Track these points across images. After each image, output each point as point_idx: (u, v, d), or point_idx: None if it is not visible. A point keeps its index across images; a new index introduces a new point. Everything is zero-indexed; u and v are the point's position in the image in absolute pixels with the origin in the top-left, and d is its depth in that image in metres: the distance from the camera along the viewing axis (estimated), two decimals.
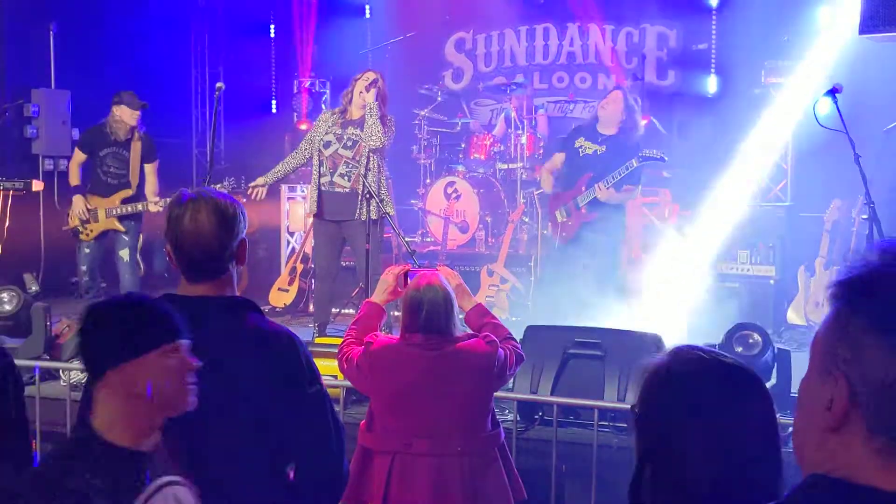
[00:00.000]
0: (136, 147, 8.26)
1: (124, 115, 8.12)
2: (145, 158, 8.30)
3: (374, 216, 6.89)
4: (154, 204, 8.12)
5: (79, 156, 8.32)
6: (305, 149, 7.34)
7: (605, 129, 7.68)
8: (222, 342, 2.65)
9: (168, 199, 8.09)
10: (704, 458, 1.85)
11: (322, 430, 2.76)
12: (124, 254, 8.26)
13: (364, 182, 6.88)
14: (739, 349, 5.81)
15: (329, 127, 7.21)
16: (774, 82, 9.81)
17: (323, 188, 7.19)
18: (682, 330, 8.26)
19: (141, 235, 8.65)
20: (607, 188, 7.45)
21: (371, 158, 7.03)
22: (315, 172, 7.21)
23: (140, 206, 8.20)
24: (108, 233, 8.30)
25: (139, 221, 8.35)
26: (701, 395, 1.88)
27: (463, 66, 12.03)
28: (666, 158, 7.55)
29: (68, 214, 8.34)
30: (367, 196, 6.84)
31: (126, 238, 8.24)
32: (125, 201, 8.21)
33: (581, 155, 7.70)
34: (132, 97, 8.19)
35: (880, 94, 8.79)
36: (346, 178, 7.12)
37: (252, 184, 7.50)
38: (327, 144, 7.17)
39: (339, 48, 11.76)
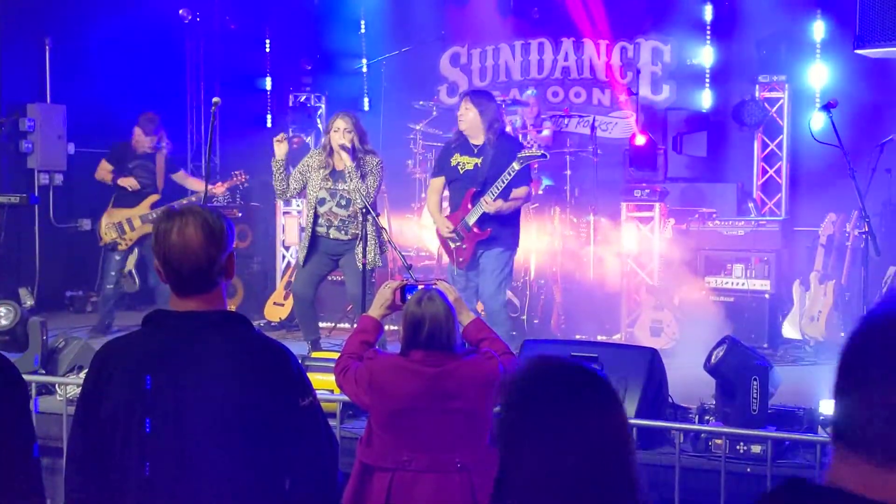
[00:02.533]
0: (161, 158, 9.23)
1: (139, 137, 9.11)
2: (170, 169, 9.32)
3: (371, 263, 7.05)
4: (212, 187, 9.05)
5: (106, 165, 9.17)
6: (295, 186, 7.38)
7: (475, 139, 7.23)
8: (213, 357, 2.65)
9: (230, 181, 9.40)
10: (543, 456, 1.87)
11: (315, 444, 2.76)
12: None
13: (362, 227, 6.94)
14: (714, 361, 5.75)
15: (320, 181, 7.23)
16: (769, 97, 9.87)
17: (319, 235, 7.32)
18: (676, 344, 8.29)
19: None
20: (494, 200, 7.03)
21: (367, 216, 7.01)
22: (309, 223, 7.31)
23: (185, 200, 8.95)
24: (144, 239, 8.95)
25: None
26: (537, 395, 1.92)
27: (458, 81, 12.06)
28: (547, 156, 7.29)
29: (99, 234, 9.10)
30: (365, 238, 6.94)
31: None
32: (154, 206, 9.02)
33: (462, 172, 7.27)
34: (147, 121, 9.10)
35: (875, 108, 8.84)
36: (342, 231, 7.27)
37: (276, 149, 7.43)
38: (322, 202, 7.23)
39: (334, 62, 11.78)
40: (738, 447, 5.16)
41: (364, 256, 6.91)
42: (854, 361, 1.37)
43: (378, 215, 7.29)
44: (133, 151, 9.12)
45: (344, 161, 7.04)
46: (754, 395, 5.48)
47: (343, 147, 7.01)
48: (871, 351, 1.35)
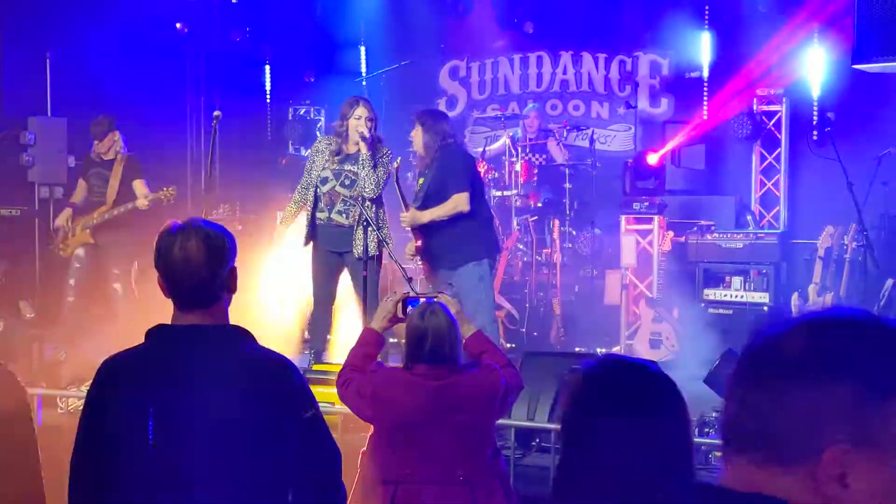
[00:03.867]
0: (118, 168, 8.80)
1: (95, 144, 8.91)
2: (129, 176, 8.81)
3: (372, 251, 6.88)
4: (143, 198, 8.55)
5: (81, 179, 9.03)
6: (309, 182, 7.25)
7: (427, 159, 7.10)
8: (215, 371, 2.67)
9: (156, 195, 8.63)
10: (615, 451, 1.91)
11: (319, 455, 2.77)
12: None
13: (362, 210, 6.83)
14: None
15: (325, 162, 7.15)
16: (766, 110, 9.91)
17: (319, 222, 7.16)
18: (675, 357, 8.31)
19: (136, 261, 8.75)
20: (406, 212, 6.98)
21: (374, 205, 6.98)
22: (309, 206, 7.16)
23: (116, 211, 8.65)
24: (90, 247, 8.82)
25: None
26: (612, 394, 1.97)
27: (457, 94, 12.11)
28: (395, 163, 7.00)
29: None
30: (365, 225, 6.81)
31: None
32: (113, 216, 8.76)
33: (417, 193, 7.23)
34: (95, 125, 8.91)
35: (872, 120, 8.87)
36: (343, 214, 7.06)
37: (274, 235, 7.49)
38: (324, 181, 7.11)
39: (334, 76, 11.83)
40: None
41: (366, 254, 6.80)
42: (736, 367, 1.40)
43: (383, 207, 7.26)
44: (93, 160, 8.97)
45: (360, 148, 6.98)
46: None
47: (363, 137, 6.97)
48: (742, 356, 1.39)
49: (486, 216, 7.34)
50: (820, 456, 1.26)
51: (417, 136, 7.10)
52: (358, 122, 7.03)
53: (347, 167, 7.07)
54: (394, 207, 7.47)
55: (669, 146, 9.61)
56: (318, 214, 7.15)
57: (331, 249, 7.18)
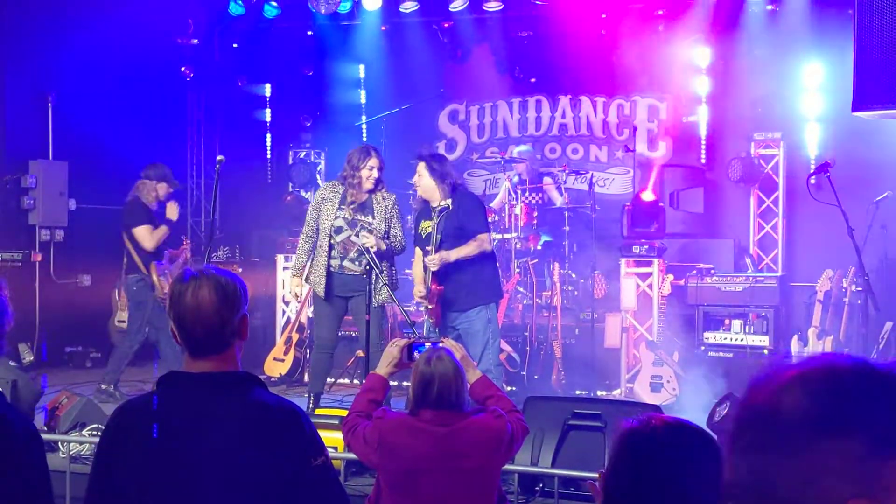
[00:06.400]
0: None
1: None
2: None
3: (381, 300, 7.06)
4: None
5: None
6: (314, 227, 7.34)
7: (434, 202, 7.06)
8: (226, 419, 2.67)
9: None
10: None
11: (328, 502, 2.78)
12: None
13: (370, 261, 6.88)
14: (717, 419, 5.89)
15: (336, 210, 7.25)
16: (764, 154, 9.98)
17: (332, 269, 7.25)
18: (676, 400, 8.31)
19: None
20: (434, 254, 6.91)
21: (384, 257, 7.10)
22: (324, 255, 7.22)
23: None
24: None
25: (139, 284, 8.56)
26: (659, 454, 2.01)
27: (456, 137, 12.19)
28: (451, 207, 6.88)
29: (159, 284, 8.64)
30: (371, 271, 6.85)
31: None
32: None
33: (424, 237, 7.18)
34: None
35: (869, 165, 8.93)
36: (356, 262, 7.17)
37: (293, 286, 7.55)
38: (338, 230, 7.22)
39: (334, 119, 11.92)
40: None
41: (370, 297, 6.86)
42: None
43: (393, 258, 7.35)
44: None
45: (386, 206, 7.16)
46: None
47: (371, 191, 7.18)
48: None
49: (494, 260, 7.44)
50: None
51: (424, 179, 7.07)
52: (371, 172, 7.14)
53: (361, 217, 7.16)
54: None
55: (653, 178, 9.61)
56: (332, 262, 7.25)
57: (339, 294, 7.25)
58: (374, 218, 7.11)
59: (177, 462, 2.65)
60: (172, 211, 8.65)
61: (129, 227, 8.46)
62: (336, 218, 7.22)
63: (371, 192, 7.17)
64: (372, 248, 6.90)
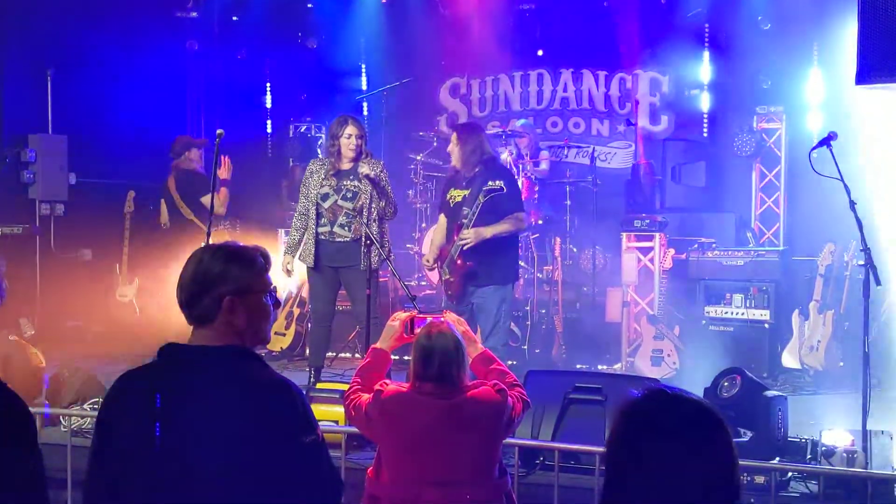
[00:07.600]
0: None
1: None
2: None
3: (375, 264, 6.99)
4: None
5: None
6: (306, 205, 7.35)
7: (466, 172, 7.23)
8: (217, 391, 2.67)
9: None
10: (663, 485, 1.95)
11: (318, 481, 2.76)
12: None
13: (366, 230, 6.90)
14: (725, 394, 5.90)
15: (322, 179, 7.27)
16: (766, 128, 9.93)
17: (321, 237, 7.27)
18: (677, 374, 8.32)
19: None
20: (468, 230, 6.95)
21: (373, 209, 7.09)
22: (312, 224, 7.25)
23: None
24: None
25: None
26: (661, 426, 2.00)
27: (458, 111, 12.14)
28: (504, 188, 6.89)
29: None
30: (369, 244, 6.89)
31: None
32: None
33: (452, 206, 7.26)
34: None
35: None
36: (346, 228, 7.21)
37: (284, 264, 7.46)
38: (325, 197, 7.25)
39: (335, 93, 11.86)
40: (741, 478, 5.19)
41: (370, 272, 6.90)
42: None
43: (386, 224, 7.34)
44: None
45: (362, 168, 7.12)
46: (779, 425, 5.60)
47: (355, 160, 7.21)
48: None
49: (517, 241, 7.55)
50: None
51: (455, 150, 7.25)
52: (349, 140, 7.17)
53: (346, 182, 7.19)
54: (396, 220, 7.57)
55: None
56: (320, 230, 7.27)
57: (329, 265, 7.26)
58: (360, 182, 7.12)
59: (168, 432, 2.64)
60: (225, 171, 8.85)
61: (198, 196, 9.08)
62: (322, 186, 7.26)
63: (355, 160, 7.21)
64: (371, 174, 7.03)
